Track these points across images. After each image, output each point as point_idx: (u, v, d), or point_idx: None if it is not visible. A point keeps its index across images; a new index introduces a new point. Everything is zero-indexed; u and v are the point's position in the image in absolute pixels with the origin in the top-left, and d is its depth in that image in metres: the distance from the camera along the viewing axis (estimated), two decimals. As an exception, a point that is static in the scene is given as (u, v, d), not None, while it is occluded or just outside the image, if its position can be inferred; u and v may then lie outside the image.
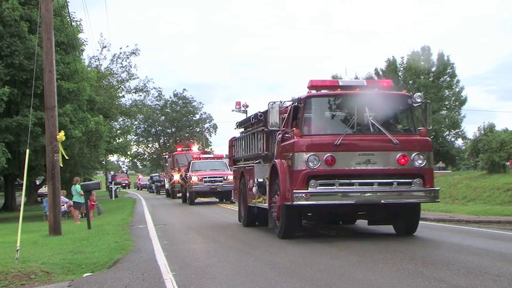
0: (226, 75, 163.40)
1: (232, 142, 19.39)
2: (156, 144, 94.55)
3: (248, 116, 17.15)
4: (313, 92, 13.04)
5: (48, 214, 18.00)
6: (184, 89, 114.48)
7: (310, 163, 11.82)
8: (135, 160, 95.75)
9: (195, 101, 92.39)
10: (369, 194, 11.89)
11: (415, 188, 12.05)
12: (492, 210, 18.84)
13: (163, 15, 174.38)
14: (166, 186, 44.89)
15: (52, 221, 16.42)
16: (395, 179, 12.01)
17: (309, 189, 11.82)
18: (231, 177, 30.50)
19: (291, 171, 12.08)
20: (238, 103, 18.34)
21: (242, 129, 18.28)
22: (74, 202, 23.10)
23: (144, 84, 54.26)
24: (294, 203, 11.86)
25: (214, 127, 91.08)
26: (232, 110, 18.32)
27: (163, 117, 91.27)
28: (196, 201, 32.28)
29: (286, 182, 12.30)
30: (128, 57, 48.63)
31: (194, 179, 31.55)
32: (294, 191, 11.82)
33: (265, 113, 14.24)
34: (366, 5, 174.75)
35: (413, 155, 12.06)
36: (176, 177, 38.88)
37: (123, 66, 48.96)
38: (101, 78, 42.85)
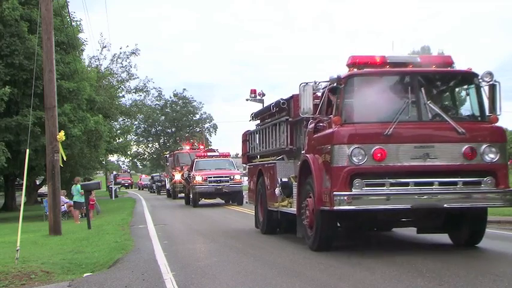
0: (226, 75, 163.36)
1: (247, 136, 16.91)
2: (156, 144, 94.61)
3: (267, 104, 15.10)
4: (356, 70, 10.62)
5: (48, 214, 18.02)
6: (184, 89, 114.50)
7: (354, 158, 9.65)
8: (135, 160, 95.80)
9: (195, 101, 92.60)
10: (427, 197, 9.70)
11: (486, 189, 9.80)
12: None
13: (163, 15, 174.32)
14: (167, 186, 43.85)
15: (52, 221, 16.43)
16: (461, 177, 9.81)
17: (353, 190, 9.63)
18: (238, 177, 29.30)
19: (330, 169, 9.90)
20: (253, 91, 16.49)
21: (258, 121, 16.10)
22: (74, 202, 23.12)
23: (144, 84, 54.35)
24: (335, 207, 9.65)
25: (214, 127, 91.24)
26: (247, 99, 16.29)
27: (163, 117, 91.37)
28: (200, 202, 30.29)
29: (322, 181, 10.20)
30: (127, 57, 48.68)
31: (198, 179, 29.25)
32: (335, 192, 9.64)
33: (289, 100, 12.95)
34: (367, 5, 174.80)
35: (484, 147, 9.82)
36: (177, 177, 37.44)
37: (123, 66, 49.00)
38: (100, 78, 42.84)
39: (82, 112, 29.06)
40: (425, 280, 7.73)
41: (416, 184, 9.73)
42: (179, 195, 37.90)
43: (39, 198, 41.97)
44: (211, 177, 29.14)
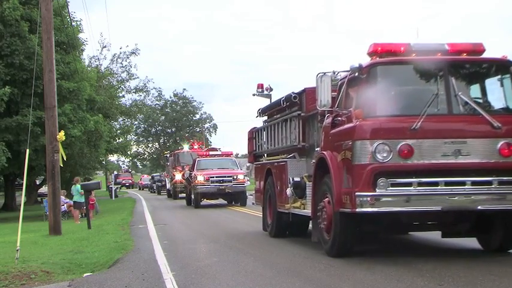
0: (226, 75, 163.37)
1: (253, 133, 16.02)
2: (156, 144, 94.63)
3: (276, 99, 14.13)
4: (379, 58, 9.69)
5: (48, 214, 18.02)
6: (184, 89, 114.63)
7: (378, 155, 8.82)
8: (135, 160, 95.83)
9: (195, 100, 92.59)
10: (459, 198, 8.86)
11: None
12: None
13: (163, 15, 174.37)
14: (168, 186, 43.29)
15: (52, 220, 16.44)
16: (496, 176, 8.91)
17: (377, 190, 8.77)
18: (241, 177, 28.17)
19: (351, 167, 9.05)
20: (260, 85, 15.69)
21: (265, 118, 15.27)
22: (74, 202, 23.13)
23: (144, 84, 54.38)
24: (357, 210, 8.82)
25: (215, 127, 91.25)
26: (254, 94, 15.67)
27: (163, 117, 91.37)
28: (201, 203, 29.05)
29: (341, 181, 9.35)
30: (127, 57, 48.73)
31: (200, 178, 28.00)
32: (357, 193, 8.81)
33: (301, 94, 12.22)
34: (368, 4, 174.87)
35: None
36: (178, 176, 36.82)
37: (123, 66, 49.04)
38: (101, 78, 42.85)
39: (82, 112, 29.07)
40: (425, 280, 7.72)
41: (447, 184, 8.89)
42: (180, 195, 37.38)
43: (39, 198, 41.98)
44: (213, 177, 28.07)
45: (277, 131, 13.66)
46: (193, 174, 29.20)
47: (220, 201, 30.14)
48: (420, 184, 8.86)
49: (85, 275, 9.55)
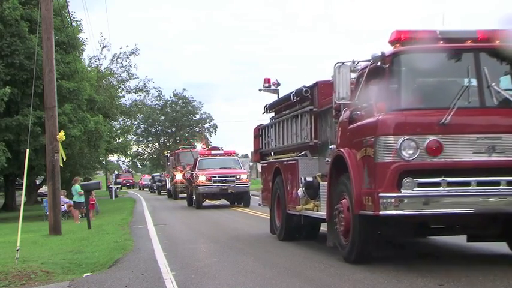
0: (226, 74, 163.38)
1: (259, 131, 15.19)
2: (156, 144, 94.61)
3: (286, 94, 13.36)
4: (403, 46, 8.87)
5: (48, 214, 18.03)
6: (184, 89, 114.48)
7: (403, 152, 8.07)
8: (135, 160, 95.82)
9: (195, 100, 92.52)
10: (494, 199, 8.09)
11: None
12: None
13: (164, 15, 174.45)
14: (168, 186, 42.88)
15: (52, 220, 16.45)
16: None
17: (402, 191, 8.03)
18: (244, 176, 27.53)
19: (373, 165, 8.31)
20: (267, 80, 14.72)
21: (272, 114, 14.52)
22: (74, 202, 23.13)
23: (144, 84, 54.35)
24: (381, 212, 8.09)
25: (214, 127, 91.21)
26: (260, 90, 14.69)
27: (163, 117, 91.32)
28: (203, 204, 28.15)
29: (361, 181, 8.61)
30: (127, 57, 48.70)
31: (201, 178, 27.10)
32: (381, 194, 8.09)
33: (312, 88, 11.55)
34: (367, 4, 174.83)
35: None
36: (179, 176, 36.18)
37: (123, 66, 49.02)
38: (100, 78, 42.85)
39: (82, 112, 29.07)
40: (425, 280, 7.72)
41: (479, 184, 8.09)
42: (180, 195, 36.88)
43: (39, 198, 41.96)
44: (215, 177, 27.21)
45: (287, 128, 12.90)
46: (194, 174, 28.41)
47: (223, 201, 29.42)
48: (450, 184, 8.07)
49: (85, 275, 9.55)
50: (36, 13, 24.60)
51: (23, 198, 12.70)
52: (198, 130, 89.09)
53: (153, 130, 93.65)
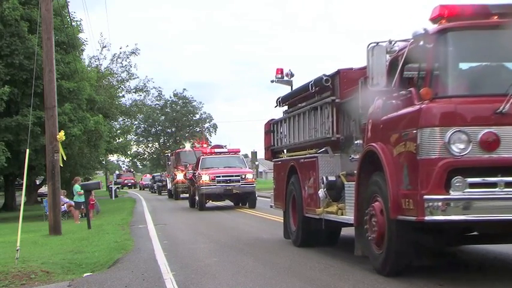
0: (226, 74, 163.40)
1: (271, 126, 13.90)
2: (156, 144, 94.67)
3: (302, 84, 12.04)
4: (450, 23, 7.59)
5: (48, 214, 18.02)
6: (185, 89, 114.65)
7: (453, 146, 6.93)
8: (135, 160, 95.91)
9: (195, 100, 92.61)
10: None
11: None
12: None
13: (164, 15, 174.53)
14: (169, 186, 42.11)
15: (52, 220, 16.44)
16: None
17: (452, 193, 6.87)
18: (250, 176, 26.11)
19: (415, 162, 7.16)
20: (279, 70, 13.49)
21: (286, 107, 13.38)
22: (74, 202, 23.13)
23: (144, 84, 54.40)
24: (426, 218, 6.94)
25: (214, 127, 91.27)
26: (272, 81, 13.41)
27: (163, 117, 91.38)
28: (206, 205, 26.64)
29: (400, 180, 7.47)
30: (127, 57, 48.74)
31: (205, 178, 25.63)
32: (426, 196, 6.92)
33: (334, 76, 10.40)
34: (367, 4, 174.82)
35: None
36: (180, 176, 35.11)
37: (123, 66, 49.05)
38: (100, 78, 42.86)
39: (82, 112, 29.08)
40: (425, 280, 7.72)
41: None
42: (181, 195, 35.99)
43: (39, 198, 41.94)
44: (219, 177, 25.67)
45: (303, 122, 11.65)
46: (197, 174, 26.93)
47: (227, 202, 28.08)
48: (508, 184, 6.90)
49: (85, 275, 9.55)
50: (36, 13, 24.60)
51: (23, 198, 12.70)
52: (198, 130, 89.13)
53: (153, 130, 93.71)
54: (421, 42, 7.61)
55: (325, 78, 10.42)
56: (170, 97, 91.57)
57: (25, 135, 24.30)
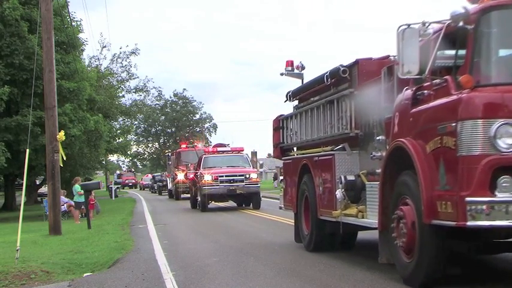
0: (227, 74, 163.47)
1: (280, 122, 13.09)
2: (156, 144, 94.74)
3: (316, 76, 11.10)
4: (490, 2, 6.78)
5: (48, 214, 18.03)
6: (185, 89, 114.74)
7: (499, 142, 6.18)
8: (135, 160, 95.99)
9: (195, 100, 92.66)
10: None
11: None
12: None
13: (164, 15, 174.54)
14: (169, 186, 41.75)
15: (52, 220, 16.45)
16: None
17: (498, 194, 6.12)
18: (254, 176, 25.22)
19: (454, 160, 6.37)
20: (289, 63, 12.66)
21: (296, 102, 12.62)
22: (74, 202, 23.13)
23: (144, 84, 54.48)
24: (468, 223, 6.17)
25: (215, 127, 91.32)
26: (281, 74, 12.70)
27: (163, 117, 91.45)
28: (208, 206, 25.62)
29: (434, 180, 6.70)
30: (127, 57, 48.80)
31: (207, 178, 24.66)
32: (468, 199, 6.16)
33: (352, 67, 9.64)
34: (371, 4, 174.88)
35: None
36: (180, 176, 34.59)
37: (123, 66, 49.11)
38: (100, 78, 42.87)
39: (82, 112, 29.09)
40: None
41: None
42: (182, 195, 35.65)
43: (39, 198, 41.94)
44: (222, 176, 24.73)
45: (317, 117, 10.88)
46: (199, 173, 25.97)
47: (230, 203, 27.26)
48: None
49: (85, 275, 9.56)
50: (36, 13, 24.60)
51: (23, 198, 12.70)
52: (198, 130, 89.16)
53: (153, 130, 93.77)
54: (461, 23, 6.73)
55: (342, 69, 9.65)
56: (170, 97, 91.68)
57: (25, 135, 24.29)
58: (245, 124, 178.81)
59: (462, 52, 6.78)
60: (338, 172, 9.60)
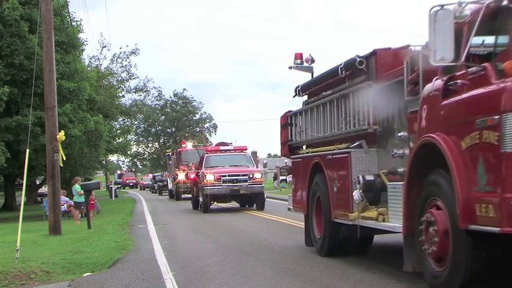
0: (227, 74, 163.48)
1: (288, 119, 12.47)
2: (156, 144, 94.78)
3: (329, 68, 10.39)
4: None
5: (48, 214, 18.03)
6: (185, 89, 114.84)
7: None
8: (135, 160, 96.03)
9: (195, 100, 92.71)
10: None
11: None
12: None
13: (164, 15, 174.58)
14: (170, 186, 41.41)
15: (52, 220, 16.45)
16: None
17: None
18: (258, 176, 24.42)
19: (497, 157, 5.67)
20: (299, 55, 12.09)
21: (306, 97, 12.04)
22: (74, 202, 23.13)
23: (144, 84, 54.51)
24: None
25: (214, 127, 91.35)
26: (290, 67, 12.18)
27: (163, 117, 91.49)
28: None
29: (471, 180, 5.97)
30: (127, 57, 48.83)
31: (209, 178, 23.81)
32: None
33: (369, 57, 9.01)
34: (371, 4, 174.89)
35: None
36: (181, 176, 34.08)
37: (123, 66, 49.13)
38: (100, 78, 42.88)
39: (82, 112, 29.10)
40: (425, 280, 7.71)
41: None
42: (183, 195, 35.35)
43: (39, 198, 41.94)
44: (225, 176, 23.88)
45: (330, 112, 10.21)
46: (201, 173, 25.01)
47: (233, 204, 26.57)
48: None
49: (85, 275, 9.56)
50: (36, 13, 24.60)
51: (23, 198, 12.71)
52: (198, 130, 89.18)
53: (153, 130, 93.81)
54: (504, 2, 6.05)
55: (358, 60, 9.01)
56: (170, 97, 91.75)
57: (25, 135, 24.29)
58: (245, 124, 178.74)
59: (504, 36, 6.10)
60: (354, 171, 8.98)
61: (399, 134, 7.98)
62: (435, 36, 6.28)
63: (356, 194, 8.70)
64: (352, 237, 9.39)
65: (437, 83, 6.81)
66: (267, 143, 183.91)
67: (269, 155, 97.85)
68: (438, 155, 6.40)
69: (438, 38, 6.27)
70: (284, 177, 47.24)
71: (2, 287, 8.93)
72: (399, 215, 7.48)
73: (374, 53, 8.89)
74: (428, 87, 6.98)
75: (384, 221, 8.20)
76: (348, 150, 9.24)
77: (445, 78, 6.63)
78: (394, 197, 7.83)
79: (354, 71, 9.32)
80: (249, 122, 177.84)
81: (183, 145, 37.25)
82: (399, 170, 7.94)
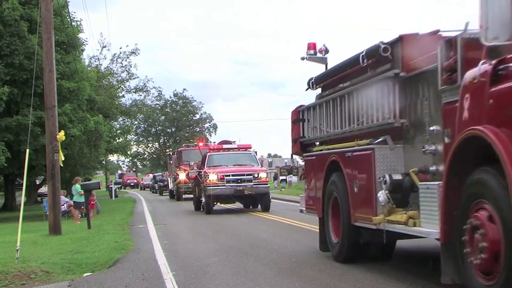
0: (227, 74, 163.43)
1: (300, 114, 11.59)
2: (156, 144, 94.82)
3: (349, 57, 9.42)
4: None
5: (48, 214, 18.03)
6: (184, 89, 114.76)
7: None
8: (135, 160, 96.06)
9: (195, 100, 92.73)
10: None
11: None
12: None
13: (164, 15, 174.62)
14: (170, 186, 40.91)
15: (52, 220, 16.45)
16: None
17: None
18: (263, 175, 23.35)
19: None
20: (312, 45, 11.16)
21: (319, 90, 11.26)
22: (74, 202, 23.13)
23: (144, 84, 54.54)
24: None
25: (215, 127, 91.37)
26: (303, 58, 11.32)
27: (163, 117, 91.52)
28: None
29: None
30: (127, 57, 48.85)
31: (212, 177, 22.78)
32: None
33: (394, 44, 8.16)
34: (371, 3, 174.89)
35: None
36: (182, 176, 33.47)
37: (123, 66, 49.15)
38: (100, 78, 42.89)
39: (82, 112, 29.10)
40: (425, 280, 7.72)
41: None
42: (184, 196, 34.91)
43: (39, 198, 41.94)
44: (229, 176, 22.86)
45: (348, 106, 9.28)
46: (203, 173, 23.91)
47: (237, 204, 25.75)
48: None
49: (85, 275, 9.56)
50: (36, 13, 24.61)
51: (23, 198, 12.71)
52: (198, 130, 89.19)
53: (153, 130, 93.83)
54: None
55: (383, 46, 8.13)
56: (170, 97, 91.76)
57: (25, 135, 24.29)
58: (245, 124, 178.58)
59: None
60: (378, 170, 8.04)
61: (431, 128, 7.08)
62: (487, 11, 5.46)
63: (381, 195, 7.77)
64: (374, 242, 8.66)
65: (483, 67, 5.77)
66: (267, 143, 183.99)
67: (269, 155, 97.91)
68: (485, 150, 5.51)
69: (491, 13, 5.43)
70: (284, 177, 47.27)
71: (2, 287, 8.93)
72: (434, 220, 6.56)
73: (400, 38, 8.04)
74: (472, 73, 5.98)
75: (415, 225, 7.21)
76: (371, 146, 8.28)
77: (493, 62, 5.63)
78: (427, 198, 6.86)
79: (377, 59, 8.46)
80: (249, 122, 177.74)
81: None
82: (431, 168, 7.10)
